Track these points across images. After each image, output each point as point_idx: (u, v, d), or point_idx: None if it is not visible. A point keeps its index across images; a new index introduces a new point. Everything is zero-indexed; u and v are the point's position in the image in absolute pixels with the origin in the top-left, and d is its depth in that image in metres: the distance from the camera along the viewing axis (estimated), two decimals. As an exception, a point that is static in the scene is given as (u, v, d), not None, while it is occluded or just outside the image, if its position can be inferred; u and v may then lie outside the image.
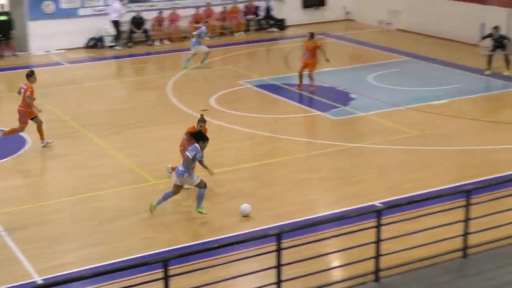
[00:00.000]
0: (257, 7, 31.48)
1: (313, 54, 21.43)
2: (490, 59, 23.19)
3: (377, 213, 10.58)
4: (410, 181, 14.83)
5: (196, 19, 29.93)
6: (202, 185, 13.33)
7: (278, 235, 9.65)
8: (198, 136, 13.28)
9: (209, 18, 30.09)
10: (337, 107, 20.00)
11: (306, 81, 21.55)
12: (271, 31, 31.45)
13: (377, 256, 10.40)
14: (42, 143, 17.22)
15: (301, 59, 22.21)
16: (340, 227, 12.01)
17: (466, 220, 11.13)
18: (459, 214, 11.17)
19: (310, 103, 20.50)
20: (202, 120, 14.25)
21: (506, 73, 23.04)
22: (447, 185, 14.35)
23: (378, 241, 10.45)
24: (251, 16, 31.32)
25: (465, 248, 11.14)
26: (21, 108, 17.02)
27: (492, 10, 25.53)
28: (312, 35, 21.76)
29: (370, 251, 10.35)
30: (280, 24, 31.72)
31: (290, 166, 15.86)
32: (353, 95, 21.05)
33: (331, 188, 14.78)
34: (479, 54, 24.36)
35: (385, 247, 10.37)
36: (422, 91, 21.52)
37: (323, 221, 10.98)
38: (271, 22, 31.66)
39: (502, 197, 12.40)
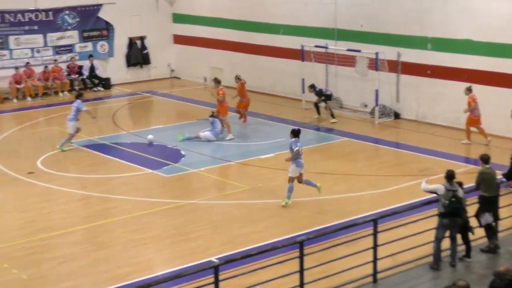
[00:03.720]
0: (80, 67, 31.08)
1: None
2: (317, 106, 25.15)
3: (214, 269, 10.65)
4: (244, 235, 15.03)
5: (16, 80, 29.09)
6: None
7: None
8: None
9: (30, 79, 29.41)
10: (168, 165, 20.02)
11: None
12: (96, 90, 31.10)
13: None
14: None
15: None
16: (178, 285, 11.99)
17: (301, 270, 11.44)
18: (294, 265, 11.47)
19: (141, 161, 20.34)
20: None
21: (333, 120, 24.62)
22: (280, 237, 14.68)
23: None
24: (74, 76, 30.84)
25: (301, 298, 11.42)
26: None
27: (310, 66, 26.77)
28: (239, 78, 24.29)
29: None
30: (105, 83, 31.46)
31: (124, 226, 15.63)
32: (183, 152, 21.16)
33: (167, 246, 14.69)
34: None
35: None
36: (250, 146, 22.02)
37: (160, 280, 10.85)
38: (96, 81, 31.34)
39: (333, 246, 12.91)
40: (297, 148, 16.39)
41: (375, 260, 12.29)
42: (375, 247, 12.29)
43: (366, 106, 25.74)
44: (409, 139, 22.41)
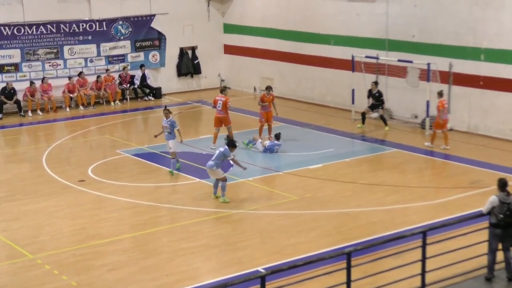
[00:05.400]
0: (132, 76, 31.45)
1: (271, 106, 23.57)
2: (364, 116, 25.29)
3: (261, 278, 10.62)
4: (291, 245, 14.98)
5: (70, 89, 29.59)
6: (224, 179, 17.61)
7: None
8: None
9: (82, 88, 29.88)
10: (217, 174, 20.08)
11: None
12: (147, 99, 31.44)
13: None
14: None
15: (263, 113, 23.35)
16: (225, 295, 11.96)
17: (348, 282, 11.34)
18: (341, 276, 11.38)
19: (190, 170, 20.46)
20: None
21: (386, 128, 24.89)
22: (328, 248, 14.60)
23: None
24: (126, 85, 31.21)
25: (348, 310, 11.32)
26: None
27: (360, 76, 26.63)
28: (270, 88, 23.59)
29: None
30: (156, 93, 31.78)
31: (172, 235, 15.72)
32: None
33: (214, 255, 14.72)
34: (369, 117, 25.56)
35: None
36: (299, 156, 21.97)
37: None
38: (147, 90, 31.67)
39: (381, 257, 12.77)
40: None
41: (423, 273, 12.13)
42: (423, 259, 12.13)
43: (416, 117, 25.49)
44: (460, 151, 22.09)
